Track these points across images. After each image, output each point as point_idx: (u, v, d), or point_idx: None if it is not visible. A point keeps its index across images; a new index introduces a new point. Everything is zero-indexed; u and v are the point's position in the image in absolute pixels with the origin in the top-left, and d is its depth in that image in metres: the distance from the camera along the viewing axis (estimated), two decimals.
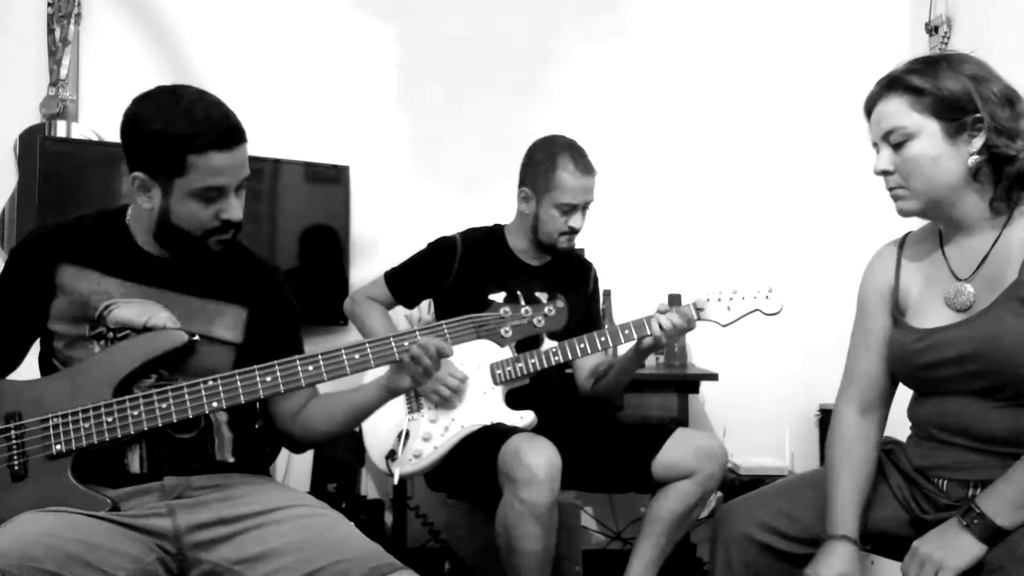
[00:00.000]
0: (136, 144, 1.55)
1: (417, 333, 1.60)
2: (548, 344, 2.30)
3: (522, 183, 2.47)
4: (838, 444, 1.65)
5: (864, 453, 1.63)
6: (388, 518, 2.91)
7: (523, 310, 1.64)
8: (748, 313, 2.21)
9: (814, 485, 1.68)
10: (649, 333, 2.20)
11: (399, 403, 2.38)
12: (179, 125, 1.51)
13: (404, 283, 2.51)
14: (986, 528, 1.40)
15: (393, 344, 1.59)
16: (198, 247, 1.61)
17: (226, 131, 1.54)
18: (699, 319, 2.22)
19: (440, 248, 2.50)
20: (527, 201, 2.45)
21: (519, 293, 2.40)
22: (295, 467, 2.90)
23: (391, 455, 2.33)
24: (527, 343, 2.21)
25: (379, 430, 2.38)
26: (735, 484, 2.77)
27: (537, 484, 2.05)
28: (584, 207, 2.43)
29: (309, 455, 2.92)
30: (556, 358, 2.28)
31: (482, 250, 2.50)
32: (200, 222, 1.58)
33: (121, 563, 1.41)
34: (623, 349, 2.39)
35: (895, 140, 1.52)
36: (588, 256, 3.11)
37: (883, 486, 1.64)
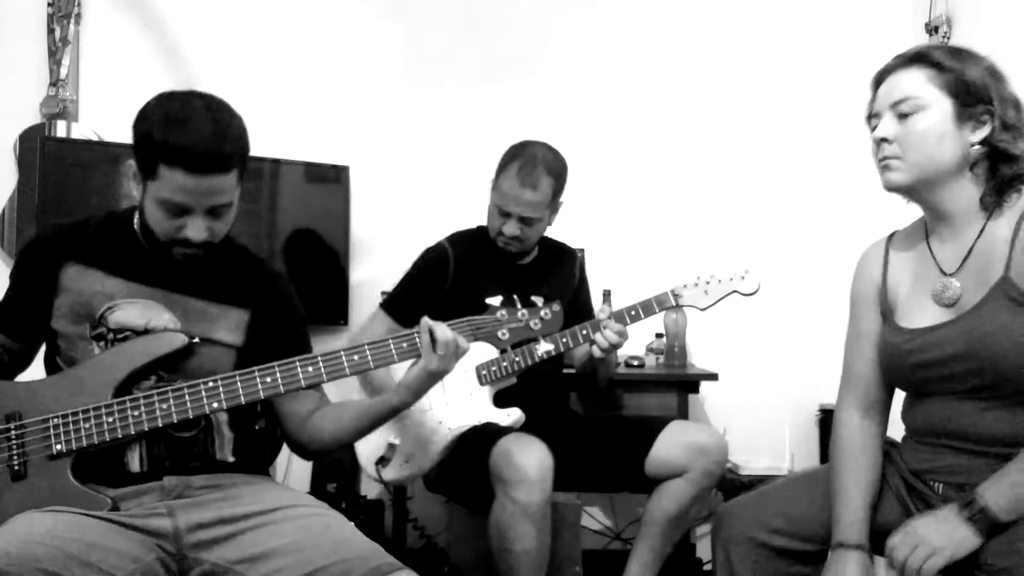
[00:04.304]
0: (134, 134, 1.56)
1: (415, 334, 1.60)
2: (544, 346, 2.27)
3: None
4: (842, 450, 1.65)
5: (869, 458, 1.63)
6: (388, 518, 2.91)
7: (520, 313, 1.65)
8: (726, 295, 2.22)
9: (812, 483, 1.68)
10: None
11: None
12: (163, 132, 1.49)
13: (405, 305, 2.45)
14: (986, 521, 1.40)
15: (392, 345, 1.59)
16: (165, 250, 1.60)
17: (203, 157, 1.49)
18: (677, 305, 2.25)
19: (432, 259, 2.48)
20: (491, 192, 2.46)
21: (515, 297, 2.41)
22: (295, 467, 2.90)
23: (381, 461, 2.33)
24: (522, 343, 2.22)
25: (369, 436, 2.38)
26: (735, 484, 2.77)
27: (528, 484, 2.04)
28: (521, 220, 2.37)
29: None
30: (539, 354, 2.27)
31: (472, 251, 2.49)
32: (163, 229, 1.57)
33: (121, 563, 1.41)
34: None
35: (904, 109, 1.52)
36: (589, 256, 3.12)
37: (883, 484, 1.64)
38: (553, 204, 2.43)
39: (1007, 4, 2.79)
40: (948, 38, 3.02)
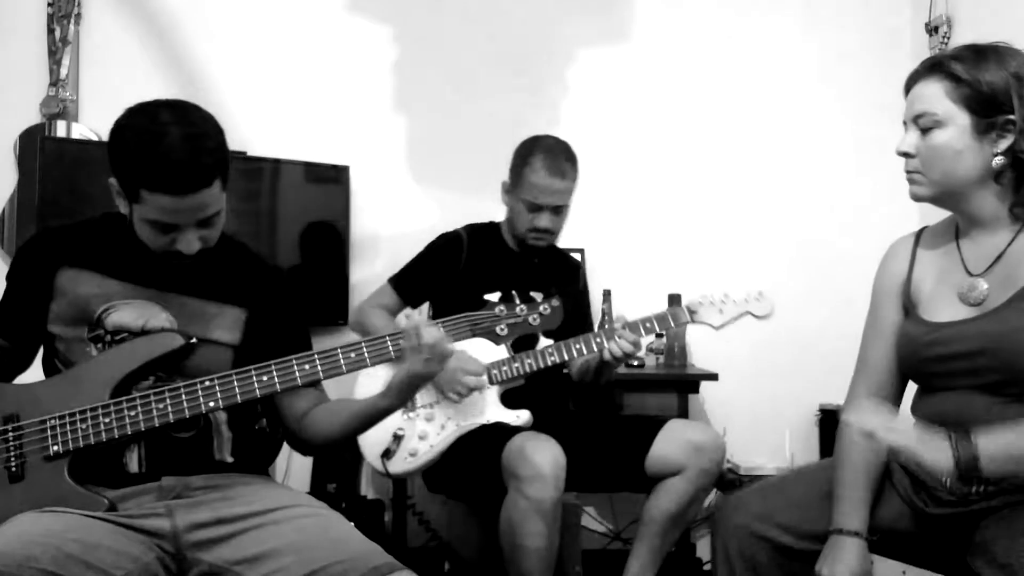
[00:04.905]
0: (110, 155, 1.54)
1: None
2: (544, 343, 2.30)
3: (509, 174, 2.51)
4: (849, 439, 1.64)
5: (875, 449, 1.61)
6: (388, 518, 2.91)
7: (518, 308, 1.64)
8: (740, 316, 2.29)
9: (813, 479, 1.68)
10: (607, 349, 2.24)
11: None
12: (139, 157, 1.47)
13: (411, 282, 2.51)
14: (967, 458, 1.38)
15: (389, 343, 1.59)
16: (160, 261, 1.60)
17: (183, 178, 1.47)
18: (692, 321, 2.29)
19: (446, 242, 2.52)
20: (507, 193, 2.50)
21: (514, 292, 2.41)
22: (295, 467, 2.90)
23: (386, 453, 2.33)
24: (523, 343, 2.22)
25: (374, 429, 2.39)
26: (735, 484, 2.77)
27: (542, 481, 2.06)
28: (554, 210, 2.43)
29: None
30: (552, 358, 2.28)
31: (485, 243, 2.52)
32: (155, 245, 1.57)
33: (120, 562, 1.41)
34: None
35: (924, 124, 1.52)
36: (589, 256, 3.12)
37: (887, 482, 1.64)
38: (574, 190, 2.48)
39: (1007, 4, 2.79)
40: (948, 38, 3.02)
